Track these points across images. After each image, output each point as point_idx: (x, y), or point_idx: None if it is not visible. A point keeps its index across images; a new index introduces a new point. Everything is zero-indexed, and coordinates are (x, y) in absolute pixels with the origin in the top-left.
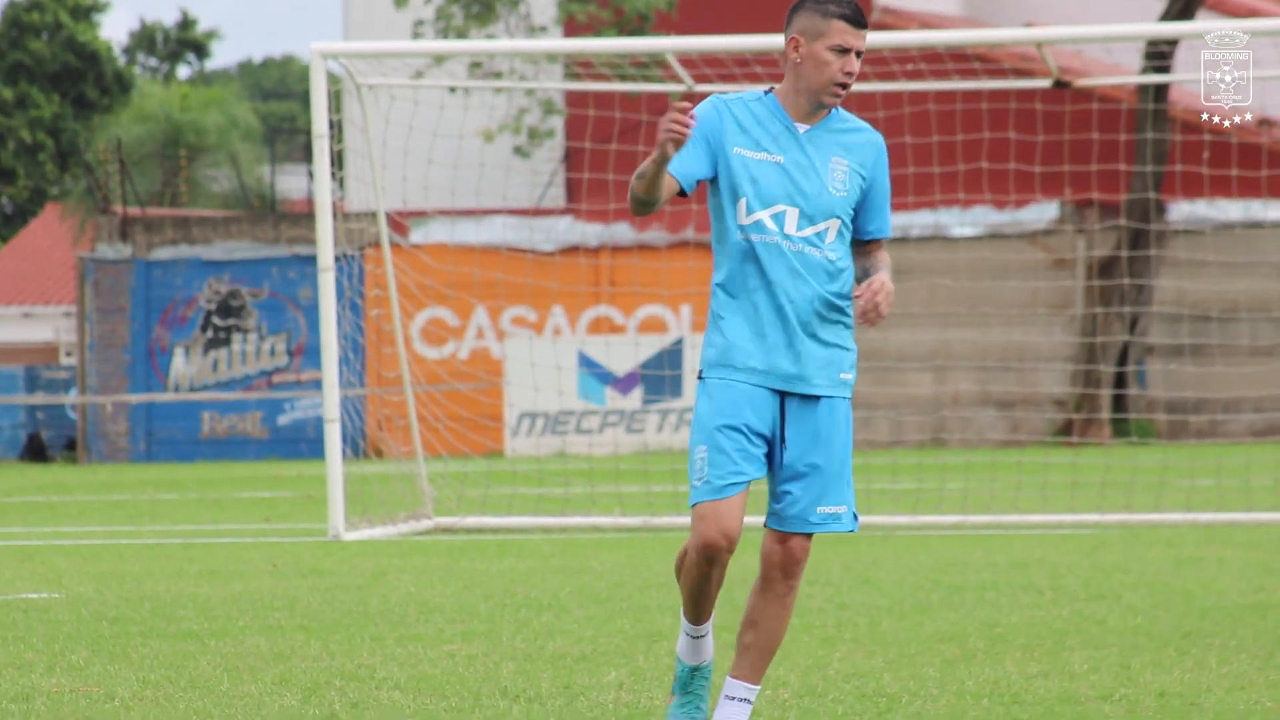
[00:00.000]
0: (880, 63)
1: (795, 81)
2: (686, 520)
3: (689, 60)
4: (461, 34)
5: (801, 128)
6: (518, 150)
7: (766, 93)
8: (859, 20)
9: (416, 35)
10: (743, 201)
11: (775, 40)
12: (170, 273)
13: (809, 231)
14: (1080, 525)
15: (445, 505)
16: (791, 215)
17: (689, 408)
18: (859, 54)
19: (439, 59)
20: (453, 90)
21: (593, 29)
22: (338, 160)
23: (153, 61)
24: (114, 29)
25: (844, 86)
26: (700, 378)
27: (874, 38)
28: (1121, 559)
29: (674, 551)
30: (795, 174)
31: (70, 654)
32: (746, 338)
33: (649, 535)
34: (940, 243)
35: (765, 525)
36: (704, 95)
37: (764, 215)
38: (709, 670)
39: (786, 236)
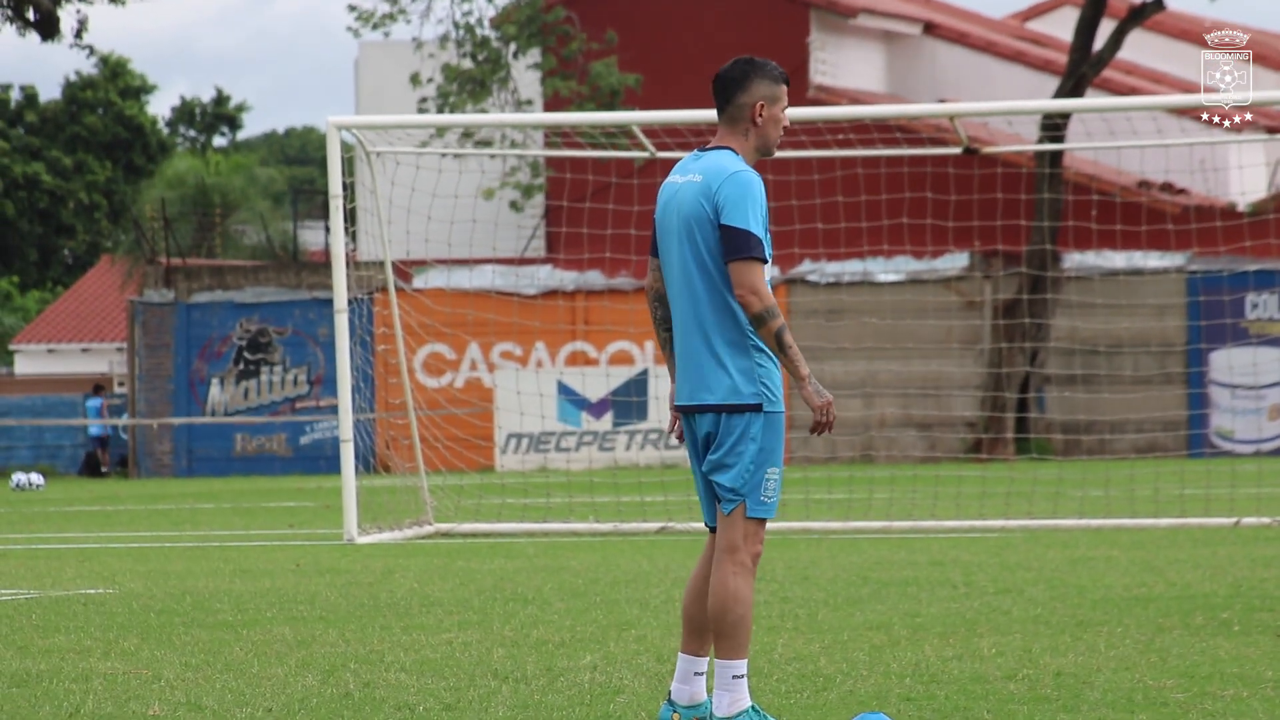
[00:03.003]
0: (815, 133)
1: (756, 140)
2: (651, 525)
3: (651, 131)
4: (460, 108)
5: None
6: (513, 204)
7: (734, 153)
8: (789, 83)
9: (422, 110)
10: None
11: None
12: (207, 314)
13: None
14: (988, 529)
15: (444, 513)
16: None
17: (654, 429)
18: None
19: (440, 130)
20: (458, 156)
21: (572, 102)
22: (350, 217)
23: (191, 132)
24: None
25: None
26: (762, 410)
27: (810, 111)
28: (1024, 558)
29: (642, 553)
30: None
31: (123, 641)
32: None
33: (619, 539)
34: (868, 287)
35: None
36: (664, 161)
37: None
38: None
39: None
